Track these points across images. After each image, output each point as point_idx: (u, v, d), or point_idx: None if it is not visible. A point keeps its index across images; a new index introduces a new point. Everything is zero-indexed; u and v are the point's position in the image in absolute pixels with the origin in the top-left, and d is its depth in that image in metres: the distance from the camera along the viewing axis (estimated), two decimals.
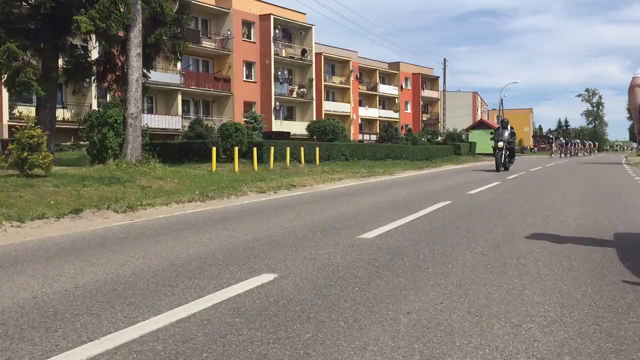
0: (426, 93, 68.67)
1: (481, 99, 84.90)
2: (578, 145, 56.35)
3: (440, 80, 61.90)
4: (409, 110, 65.87)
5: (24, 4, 16.34)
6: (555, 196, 10.79)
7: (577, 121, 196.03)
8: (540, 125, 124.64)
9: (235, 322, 3.10)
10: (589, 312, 3.30)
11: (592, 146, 66.01)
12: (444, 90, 56.93)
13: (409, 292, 3.71)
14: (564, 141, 53.27)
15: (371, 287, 3.83)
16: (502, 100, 67.31)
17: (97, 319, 3.14)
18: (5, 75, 15.94)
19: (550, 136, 55.67)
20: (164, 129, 34.52)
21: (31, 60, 16.45)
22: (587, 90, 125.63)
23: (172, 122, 35.97)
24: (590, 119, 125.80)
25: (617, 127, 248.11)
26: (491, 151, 49.70)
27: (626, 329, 3.01)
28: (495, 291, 3.74)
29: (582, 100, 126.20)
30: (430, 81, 70.33)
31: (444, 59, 56.20)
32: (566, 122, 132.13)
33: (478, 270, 4.36)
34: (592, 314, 3.26)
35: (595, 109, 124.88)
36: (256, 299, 3.55)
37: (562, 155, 48.14)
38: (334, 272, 4.31)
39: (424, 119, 68.48)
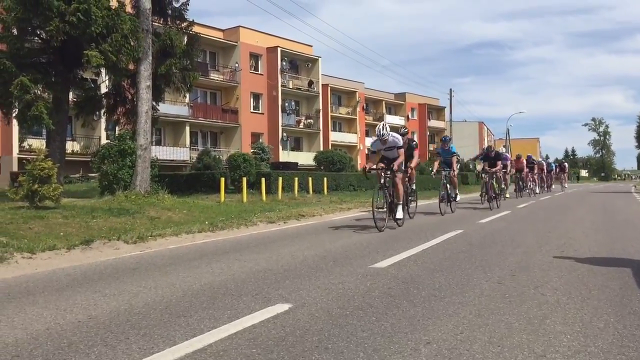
0: (432, 123, 68.89)
1: (487, 128, 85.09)
2: (540, 170, 27.43)
3: (447, 111, 62.12)
4: (416, 140, 66.05)
5: (35, 38, 16.59)
6: (568, 225, 10.70)
7: (584, 150, 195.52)
8: (547, 155, 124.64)
9: (252, 352, 3.04)
10: (613, 342, 3.22)
11: (558, 172, 33.43)
12: (451, 120, 57.08)
13: (427, 322, 3.64)
14: (487, 149, 18.28)
15: (388, 317, 3.76)
16: (508, 130, 67.42)
17: (112, 351, 3.09)
18: (17, 109, 16.14)
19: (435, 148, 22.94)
20: (172, 160, 34.68)
21: (42, 93, 16.64)
22: (593, 119, 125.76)
23: (180, 153, 36.14)
24: (597, 148, 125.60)
25: (624, 156, 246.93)
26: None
27: None
28: (515, 321, 3.66)
29: (589, 130, 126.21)
30: (437, 111, 70.61)
31: (450, 90, 56.46)
32: (573, 151, 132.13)
33: (496, 299, 4.29)
34: (617, 344, 3.18)
35: (602, 138, 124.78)
36: (272, 329, 3.49)
37: (486, 196, 15.99)
38: (349, 301, 4.24)
39: (431, 148, 68.57)
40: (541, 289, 4.64)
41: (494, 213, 13.40)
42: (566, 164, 36.29)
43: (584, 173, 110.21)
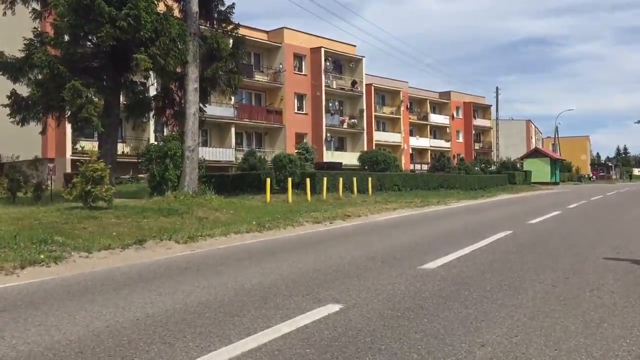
0: (478, 122, 67.78)
1: (535, 127, 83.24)
2: None
3: (493, 109, 61.16)
4: (461, 140, 65.09)
5: (87, 43, 17.07)
6: (621, 225, 10.39)
7: (637, 148, 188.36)
8: (597, 153, 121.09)
9: (306, 352, 3.07)
10: None
11: None
12: (497, 118, 56.15)
13: (480, 324, 3.61)
14: None
15: (440, 319, 3.74)
16: (557, 127, 65.83)
17: (170, 348, 3.17)
18: (69, 112, 16.65)
19: None
20: (218, 161, 35.15)
21: (94, 97, 17.11)
22: None
23: (225, 154, 36.61)
24: None
25: None
26: (547, 179, 47.13)
27: None
28: (571, 324, 3.59)
29: None
30: (482, 110, 69.46)
31: (496, 88, 55.65)
32: (625, 149, 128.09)
33: (550, 302, 4.21)
34: None
35: None
36: (324, 329, 3.52)
37: None
38: (399, 302, 4.24)
39: (476, 147, 67.51)
40: (597, 292, 4.53)
41: (544, 213, 13.09)
42: None
43: (637, 172, 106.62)
